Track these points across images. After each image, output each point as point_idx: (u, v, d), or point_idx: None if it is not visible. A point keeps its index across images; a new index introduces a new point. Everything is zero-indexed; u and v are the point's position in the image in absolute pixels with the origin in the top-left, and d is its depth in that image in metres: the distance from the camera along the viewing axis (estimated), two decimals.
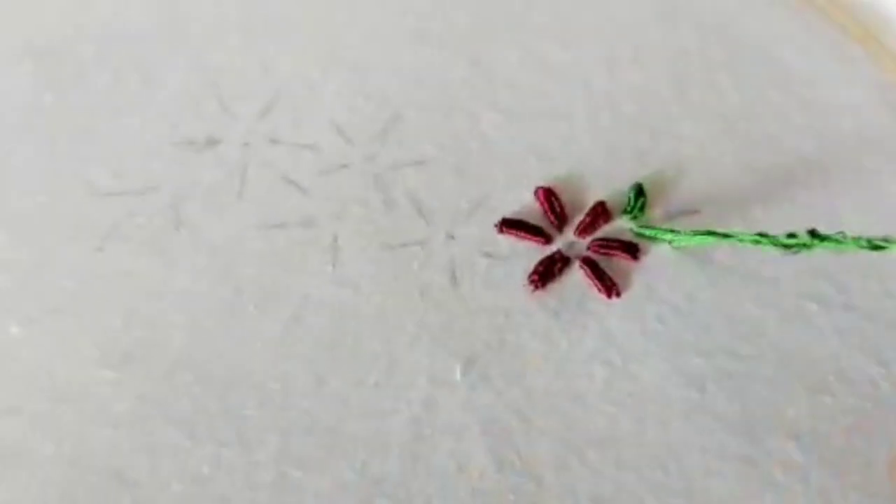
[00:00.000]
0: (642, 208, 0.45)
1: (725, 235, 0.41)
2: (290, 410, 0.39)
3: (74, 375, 0.39)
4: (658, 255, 0.44)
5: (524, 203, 0.45)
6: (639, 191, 0.45)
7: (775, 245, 0.40)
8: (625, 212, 0.45)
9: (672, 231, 0.43)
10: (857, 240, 0.39)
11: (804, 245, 0.40)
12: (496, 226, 0.44)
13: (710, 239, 0.42)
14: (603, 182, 0.46)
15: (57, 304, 0.41)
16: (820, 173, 0.46)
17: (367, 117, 0.46)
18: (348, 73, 0.48)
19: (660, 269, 0.43)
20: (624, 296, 0.43)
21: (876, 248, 0.38)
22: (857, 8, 0.50)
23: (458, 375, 0.40)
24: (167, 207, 0.43)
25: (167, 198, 0.44)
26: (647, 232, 0.44)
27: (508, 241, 0.44)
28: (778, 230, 0.43)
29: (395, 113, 0.47)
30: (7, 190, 0.44)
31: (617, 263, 0.44)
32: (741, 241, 0.41)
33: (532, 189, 0.45)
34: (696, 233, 0.42)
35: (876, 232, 0.43)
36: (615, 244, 0.44)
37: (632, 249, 0.44)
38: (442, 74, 0.48)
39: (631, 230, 0.44)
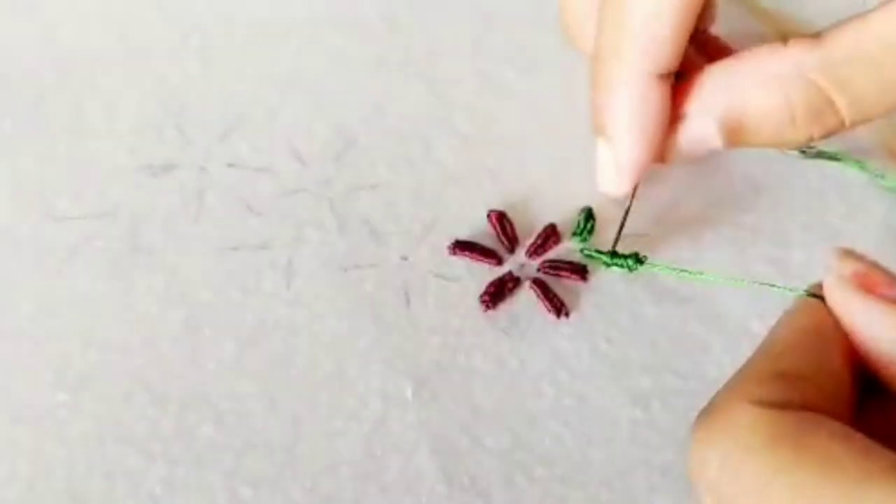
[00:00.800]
0: (591, 231, 0.46)
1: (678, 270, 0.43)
2: (243, 430, 0.40)
3: (30, 398, 0.40)
4: (606, 277, 0.45)
5: (477, 225, 0.46)
6: (588, 214, 0.46)
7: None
8: (574, 234, 0.46)
9: (617, 257, 0.44)
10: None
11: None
12: (449, 247, 0.45)
13: (652, 268, 0.44)
14: (555, 205, 0.47)
15: (13, 327, 0.42)
16: (767, 195, 0.48)
17: (323, 142, 0.47)
18: (305, 98, 0.49)
19: (607, 290, 0.45)
20: (572, 316, 0.44)
21: None
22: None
23: (409, 395, 0.41)
24: (125, 231, 0.44)
25: (125, 222, 0.45)
26: (595, 255, 0.45)
27: (461, 263, 0.45)
28: (726, 252, 0.45)
29: (351, 137, 0.48)
30: None
31: (566, 284, 0.45)
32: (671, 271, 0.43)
33: (485, 212, 0.46)
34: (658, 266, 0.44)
35: (818, 251, 0.45)
36: (564, 266, 0.45)
37: (580, 271, 0.45)
38: (398, 100, 0.49)
39: (581, 251, 0.45)
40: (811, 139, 0.37)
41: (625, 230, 0.45)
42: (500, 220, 0.46)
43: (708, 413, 0.29)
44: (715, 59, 0.39)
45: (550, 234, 0.46)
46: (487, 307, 0.44)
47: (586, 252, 0.45)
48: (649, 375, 0.42)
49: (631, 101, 0.37)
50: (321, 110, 0.48)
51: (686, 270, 0.43)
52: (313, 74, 0.50)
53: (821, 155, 0.48)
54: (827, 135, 0.37)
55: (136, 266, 0.44)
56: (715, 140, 0.38)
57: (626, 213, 0.43)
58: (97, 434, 0.39)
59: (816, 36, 0.36)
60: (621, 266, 0.43)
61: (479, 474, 0.40)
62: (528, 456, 0.40)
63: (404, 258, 0.45)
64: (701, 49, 0.41)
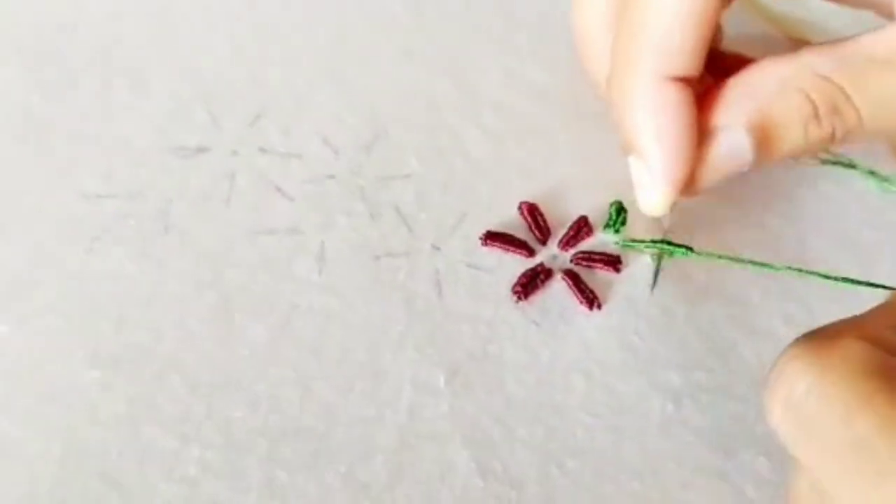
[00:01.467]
0: (623, 223, 0.46)
1: (717, 256, 0.44)
2: (277, 415, 0.40)
3: (63, 376, 0.40)
4: (638, 272, 0.45)
5: (508, 218, 0.46)
6: (619, 207, 0.46)
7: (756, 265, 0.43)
8: (606, 226, 0.46)
9: (655, 242, 0.44)
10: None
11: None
12: (481, 238, 0.45)
13: (696, 256, 0.44)
14: (585, 198, 0.47)
15: (46, 304, 0.41)
16: (787, 200, 0.48)
17: (354, 130, 0.47)
18: (335, 86, 0.48)
19: (639, 286, 0.45)
20: (604, 308, 0.44)
21: None
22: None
23: (441, 384, 0.41)
24: (156, 212, 0.44)
25: (156, 202, 0.44)
26: (632, 245, 0.45)
27: (493, 254, 0.45)
28: (748, 253, 0.45)
29: (381, 127, 0.47)
30: None
31: (598, 277, 0.45)
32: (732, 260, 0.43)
33: (515, 204, 0.46)
34: (676, 250, 0.44)
35: (838, 258, 0.45)
36: (597, 256, 0.45)
37: (614, 262, 0.45)
38: (427, 92, 0.49)
39: (615, 244, 0.45)
40: (834, 138, 0.38)
41: (647, 232, 0.46)
42: (532, 211, 0.46)
43: (813, 337, 0.31)
44: (732, 72, 0.39)
45: (583, 226, 0.46)
46: (519, 298, 0.44)
47: (623, 243, 0.45)
48: (679, 371, 0.43)
49: (655, 108, 0.38)
50: (350, 100, 0.48)
51: (735, 258, 0.44)
52: (343, 64, 0.49)
53: (837, 162, 0.49)
54: (848, 133, 0.38)
55: (166, 247, 0.43)
56: (747, 152, 0.38)
57: (664, 232, 0.44)
58: (130, 415, 0.39)
59: (832, 42, 0.38)
60: (666, 252, 0.44)
61: (512, 465, 0.40)
62: (561, 447, 0.40)
63: (436, 248, 0.45)
64: (717, 65, 0.41)
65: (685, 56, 0.37)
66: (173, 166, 0.45)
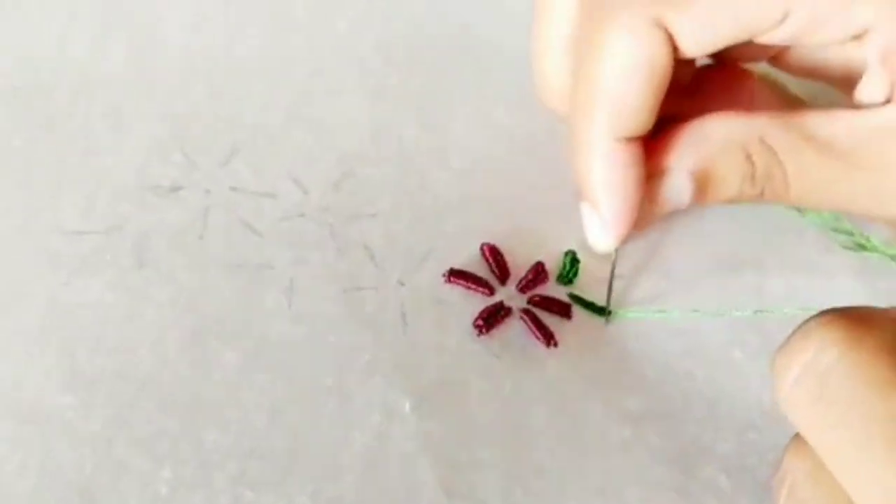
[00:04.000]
0: (576, 274, 0.48)
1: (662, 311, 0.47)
2: (247, 437, 0.41)
3: (41, 399, 0.40)
4: (589, 316, 0.47)
5: (471, 255, 0.48)
6: (573, 258, 0.48)
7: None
8: (559, 277, 0.48)
9: (597, 309, 0.47)
10: None
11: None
12: (444, 275, 0.47)
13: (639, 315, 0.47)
14: (545, 242, 0.49)
15: (25, 333, 0.42)
16: (742, 231, 0.50)
17: (324, 170, 0.49)
18: (306, 128, 0.50)
19: (594, 325, 0.47)
20: (561, 345, 0.46)
21: None
22: None
23: (407, 409, 0.42)
24: (132, 246, 0.45)
25: (132, 237, 0.46)
26: (580, 302, 0.47)
27: (456, 290, 0.47)
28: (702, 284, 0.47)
29: (350, 167, 0.50)
30: None
31: (555, 315, 0.47)
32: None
33: (478, 243, 0.48)
34: (627, 312, 0.47)
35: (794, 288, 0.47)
36: (551, 303, 0.47)
37: (566, 310, 0.47)
38: (396, 133, 0.51)
39: (568, 295, 0.47)
40: (762, 197, 0.41)
41: (606, 274, 0.48)
42: (493, 253, 0.48)
43: (847, 312, 0.31)
44: (725, 87, 0.43)
45: (539, 272, 0.48)
46: (481, 332, 0.45)
47: (571, 296, 0.47)
48: (637, 400, 0.44)
49: (604, 164, 0.40)
50: (321, 140, 0.50)
51: (661, 311, 0.46)
52: (314, 106, 0.52)
53: (860, 246, 0.51)
54: (776, 198, 0.41)
55: (142, 279, 0.44)
56: (686, 196, 0.41)
57: (612, 270, 0.46)
58: (105, 435, 0.40)
59: (788, 111, 0.41)
60: (599, 314, 0.47)
61: (477, 485, 0.41)
62: (524, 469, 0.42)
63: (402, 283, 0.46)
64: (701, 86, 0.44)
65: (637, 117, 0.40)
66: (149, 203, 0.47)
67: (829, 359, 0.30)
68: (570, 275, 0.48)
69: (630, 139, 0.40)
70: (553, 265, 0.48)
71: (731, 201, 0.42)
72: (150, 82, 0.51)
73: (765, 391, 0.45)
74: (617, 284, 0.47)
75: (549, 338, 0.46)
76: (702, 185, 0.41)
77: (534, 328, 0.46)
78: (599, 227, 0.42)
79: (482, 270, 0.47)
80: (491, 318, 0.46)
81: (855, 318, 0.30)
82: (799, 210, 0.50)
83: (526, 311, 0.46)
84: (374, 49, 0.54)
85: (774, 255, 0.49)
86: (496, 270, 0.48)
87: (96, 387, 0.41)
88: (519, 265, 0.48)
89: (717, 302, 0.47)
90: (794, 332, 0.31)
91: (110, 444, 0.40)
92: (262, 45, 0.54)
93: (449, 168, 0.50)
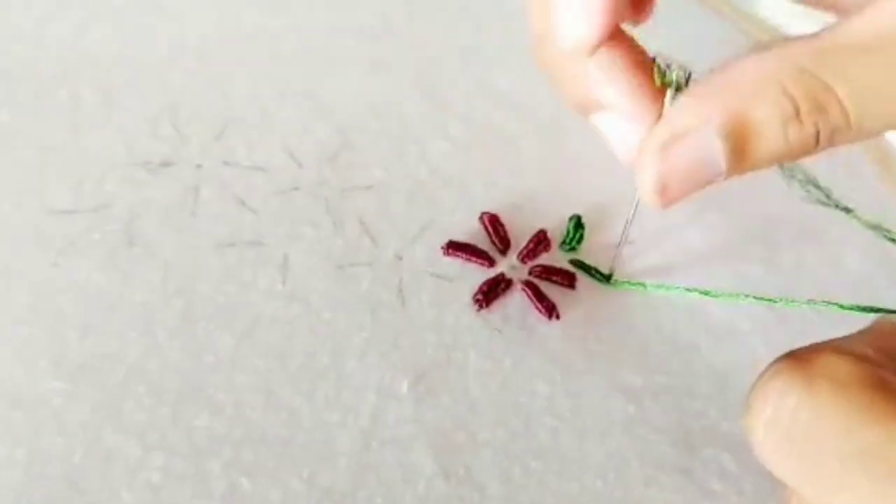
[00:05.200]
0: (580, 240, 0.47)
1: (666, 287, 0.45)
2: (241, 421, 0.40)
3: (28, 385, 0.40)
4: (594, 286, 0.46)
5: (470, 228, 0.47)
6: (577, 223, 0.47)
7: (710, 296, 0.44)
8: (563, 243, 0.47)
9: (600, 275, 0.46)
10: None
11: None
12: (443, 248, 0.46)
13: (642, 287, 0.45)
14: (547, 210, 0.47)
15: (12, 316, 0.41)
16: (753, 201, 0.49)
17: (319, 142, 0.48)
18: (301, 99, 0.49)
19: (598, 295, 0.45)
20: (564, 318, 0.44)
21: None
22: None
23: (405, 389, 0.42)
24: (122, 225, 0.44)
25: (122, 215, 0.45)
26: (583, 267, 0.46)
27: (454, 263, 0.45)
28: (714, 258, 0.46)
29: (346, 138, 0.48)
30: None
31: (558, 286, 0.45)
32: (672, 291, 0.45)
33: (478, 214, 0.47)
34: (631, 283, 0.46)
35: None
36: (554, 272, 0.46)
37: (569, 278, 0.46)
38: (393, 103, 0.50)
39: (571, 262, 0.46)
40: (818, 140, 0.33)
41: (611, 240, 0.46)
42: (493, 222, 0.46)
43: (794, 355, 0.31)
44: None
45: (541, 240, 0.46)
46: (481, 306, 0.44)
47: (574, 263, 0.46)
48: (640, 375, 0.43)
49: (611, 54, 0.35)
50: (317, 111, 0.49)
51: (664, 286, 0.45)
52: (310, 76, 0.50)
53: (838, 206, 0.49)
54: (834, 133, 0.33)
55: (132, 259, 0.44)
56: (720, 157, 0.33)
57: (624, 233, 0.44)
58: (94, 422, 0.39)
59: (811, 34, 0.33)
60: (602, 281, 0.46)
61: (475, 467, 0.40)
62: (524, 449, 0.41)
63: (399, 257, 0.45)
64: None
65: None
66: (139, 180, 0.46)
67: (788, 409, 0.29)
68: (574, 241, 0.46)
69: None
70: (557, 233, 0.47)
71: (781, 157, 0.34)
72: (138, 56, 0.50)
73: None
74: (624, 251, 0.46)
75: (550, 310, 0.44)
76: (738, 143, 0.33)
77: (535, 300, 0.45)
78: (623, 125, 0.36)
79: (483, 243, 0.46)
80: (491, 292, 0.45)
81: (803, 360, 0.30)
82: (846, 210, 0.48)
83: (527, 283, 0.45)
84: (372, 19, 0.52)
85: (786, 229, 0.47)
86: (496, 241, 0.46)
87: (85, 371, 0.40)
88: (521, 235, 0.47)
89: (726, 275, 0.46)
90: (752, 390, 0.31)
91: (99, 430, 0.39)
92: (256, 13, 0.52)
93: (448, 138, 0.49)
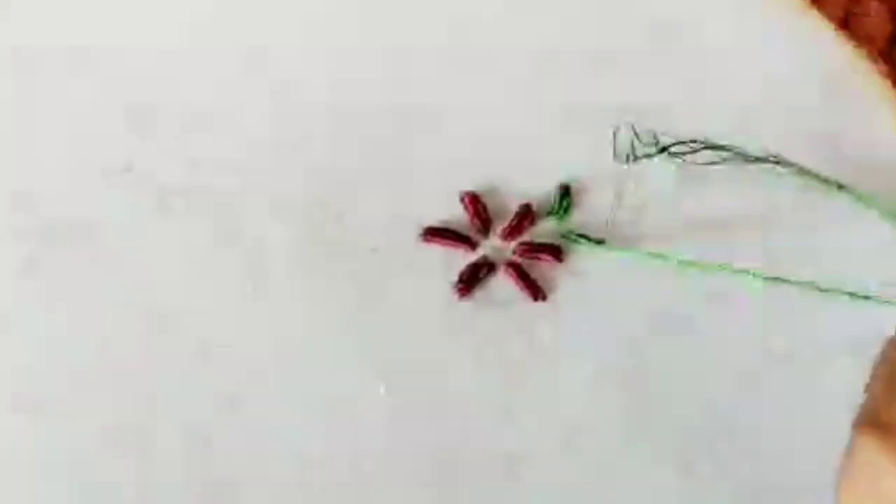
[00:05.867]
0: (567, 209, 0.44)
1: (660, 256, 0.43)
2: (207, 427, 0.40)
3: None
4: (583, 257, 0.44)
5: (450, 213, 0.45)
6: (565, 192, 0.44)
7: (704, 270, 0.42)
8: (549, 213, 0.44)
9: (591, 240, 0.44)
10: None
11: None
12: (420, 235, 0.44)
13: (635, 254, 0.43)
14: (530, 184, 0.45)
15: None
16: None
17: (288, 132, 0.46)
18: (266, 87, 0.47)
19: (585, 271, 0.44)
20: (550, 298, 0.43)
21: None
22: None
23: (382, 390, 0.41)
24: (82, 238, 0.43)
25: (81, 228, 0.43)
26: (571, 236, 0.44)
27: (434, 250, 0.44)
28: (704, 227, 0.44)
29: (315, 125, 0.46)
30: None
31: (543, 266, 0.44)
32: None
33: (457, 196, 0.45)
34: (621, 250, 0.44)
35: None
36: (540, 247, 0.44)
37: (556, 252, 0.44)
38: (363, 85, 0.47)
39: (560, 235, 0.44)
40: None
41: (597, 207, 0.44)
42: (474, 201, 0.44)
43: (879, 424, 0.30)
44: None
45: (526, 215, 0.44)
46: (462, 294, 0.43)
47: (564, 234, 0.44)
48: (630, 352, 0.42)
49: None
50: (283, 99, 0.46)
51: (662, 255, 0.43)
52: (274, 61, 0.47)
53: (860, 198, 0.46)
54: None
55: (94, 272, 0.43)
56: None
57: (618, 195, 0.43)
58: (66, 430, 0.40)
59: None
60: (595, 245, 0.44)
61: (458, 469, 0.40)
62: (509, 448, 0.40)
63: (374, 250, 0.43)
64: None
65: None
66: (102, 187, 0.44)
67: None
68: (562, 210, 0.44)
69: None
70: (543, 207, 0.45)
71: None
72: (98, 61, 0.47)
73: (772, 334, 0.43)
74: (614, 215, 0.44)
75: (536, 292, 0.43)
76: None
77: (520, 282, 0.43)
78: None
79: (464, 227, 0.44)
80: (472, 278, 0.43)
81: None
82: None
83: (511, 264, 0.43)
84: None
85: (782, 211, 0.45)
86: (478, 220, 0.44)
87: (43, 386, 0.40)
88: (506, 213, 0.45)
89: (721, 247, 0.44)
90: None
91: (72, 438, 0.39)
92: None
93: (423, 115, 0.46)
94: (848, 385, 0.33)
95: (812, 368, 0.42)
